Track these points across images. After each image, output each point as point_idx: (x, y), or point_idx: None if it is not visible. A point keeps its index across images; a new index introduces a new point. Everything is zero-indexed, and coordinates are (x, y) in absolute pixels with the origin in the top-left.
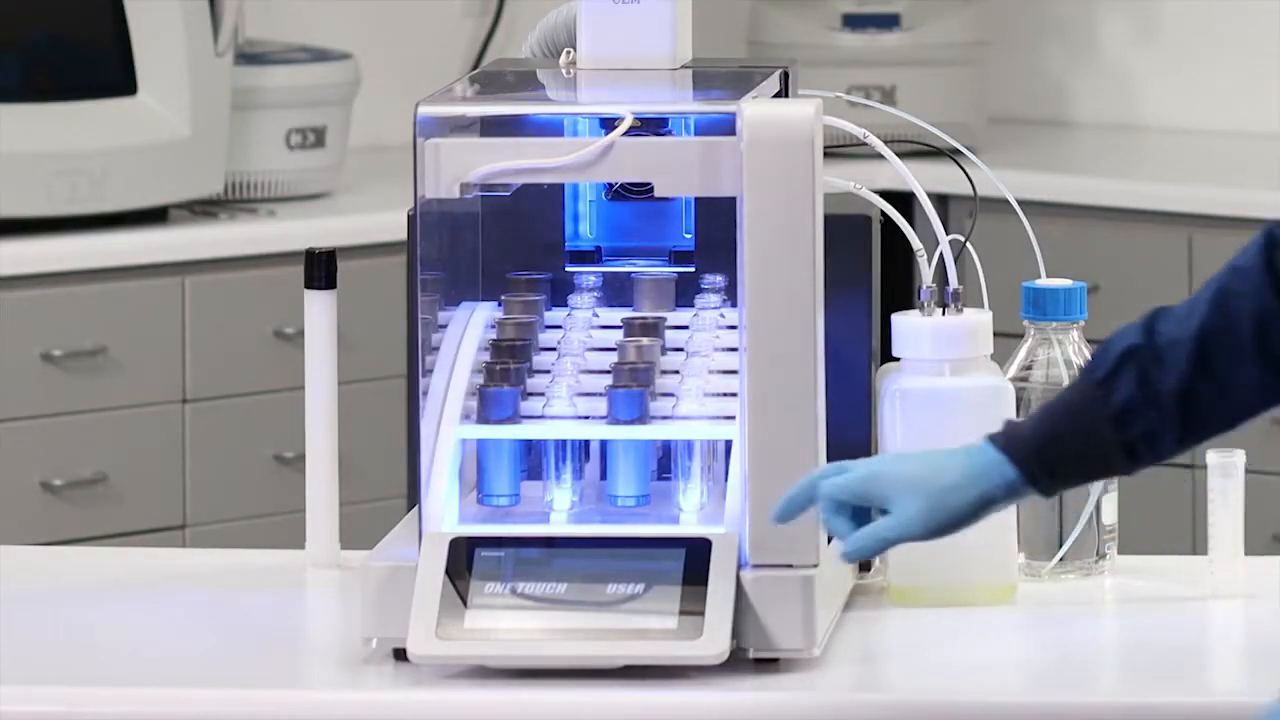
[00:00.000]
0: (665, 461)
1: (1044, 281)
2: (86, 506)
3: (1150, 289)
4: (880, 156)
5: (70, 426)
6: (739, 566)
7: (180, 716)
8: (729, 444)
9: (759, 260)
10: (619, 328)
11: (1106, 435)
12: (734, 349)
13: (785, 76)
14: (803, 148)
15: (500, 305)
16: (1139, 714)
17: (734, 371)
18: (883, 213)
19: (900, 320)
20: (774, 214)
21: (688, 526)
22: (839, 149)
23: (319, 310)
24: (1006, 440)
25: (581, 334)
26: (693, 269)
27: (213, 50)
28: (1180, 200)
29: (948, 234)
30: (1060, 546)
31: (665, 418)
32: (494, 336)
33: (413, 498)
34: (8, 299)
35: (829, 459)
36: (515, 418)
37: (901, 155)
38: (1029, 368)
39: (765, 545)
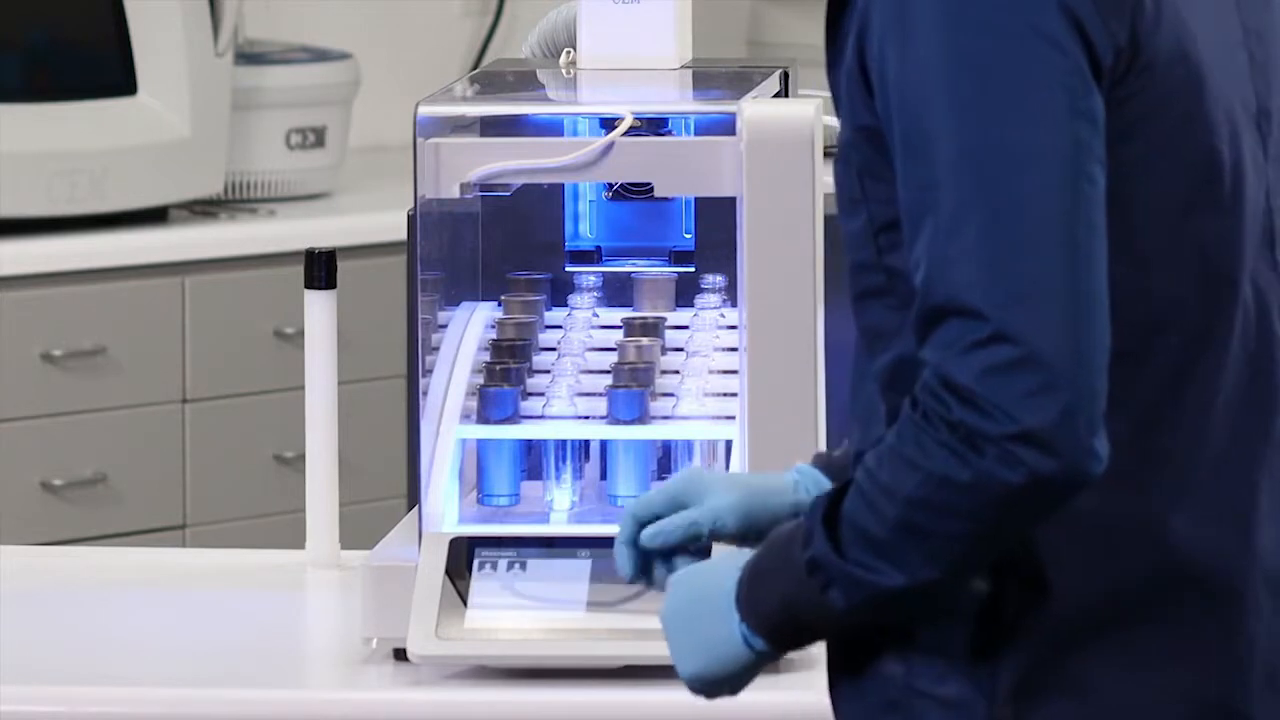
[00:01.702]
0: (665, 461)
1: None
2: (86, 506)
3: None
4: None
5: (70, 426)
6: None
7: (180, 716)
8: (729, 444)
9: (759, 260)
10: (619, 328)
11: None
12: (734, 349)
13: (785, 76)
14: (803, 148)
15: (500, 305)
16: None
17: (734, 371)
18: None
19: None
20: (774, 214)
21: None
22: None
23: (319, 310)
24: (821, 459)
25: (581, 334)
26: (693, 269)
27: (213, 50)
28: None
29: None
30: None
31: (665, 418)
32: (494, 336)
33: (413, 498)
34: (8, 299)
35: None
36: (515, 418)
37: None
38: None
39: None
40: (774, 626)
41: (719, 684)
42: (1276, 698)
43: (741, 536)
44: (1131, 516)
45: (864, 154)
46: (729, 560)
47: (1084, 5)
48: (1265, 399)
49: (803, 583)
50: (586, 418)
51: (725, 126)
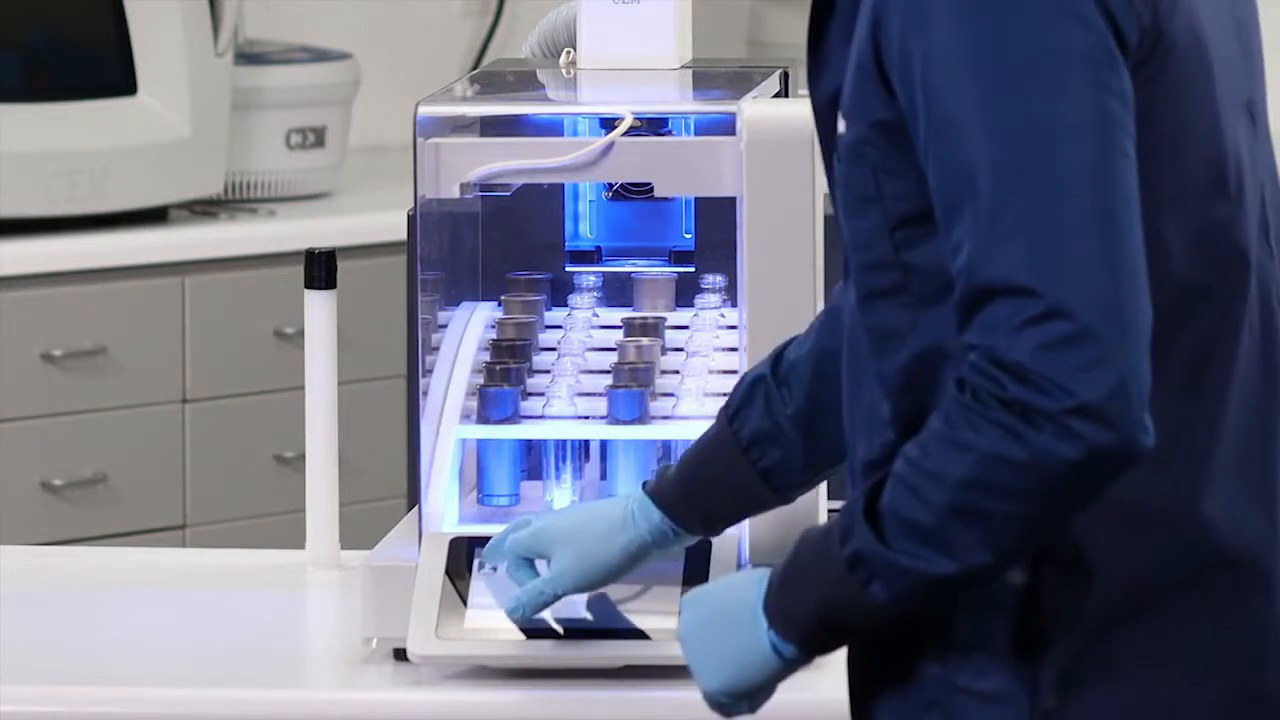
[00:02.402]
0: (665, 461)
1: None
2: (86, 506)
3: None
4: None
5: (70, 426)
6: (739, 566)
7: (180, 716)
8: None
9: (759, 260)
10: (619, 328)
11: (744, 467)
12: (734, 349)
13: (785, 76)
14: (803, 148)
15: (500, 305)
16: None
17: (734, 371)
18: None
19: None
20: (774, 214)
21: None
22: None
23: (319, 310)
24: (654, 485)
25: (581, 334)
26: (693, 269)
27: (213, 50)
28: None
29: None
30: None
31: (665, 418)
32: (494, 336)
33: (413, 498)
34: (8, 299)
35: None
36: (515, 418)
37: None
38: None
39: (765, 545)
40: (807, 630)
41: (743, 696)
42: None
43: (579, 589)
44: (1164, 500)
45: (879, 150)
46: (745, 574)
47: None
48: (1273, 379)
49: (841, 580)
50: (586, 418)
51: (725, 126)
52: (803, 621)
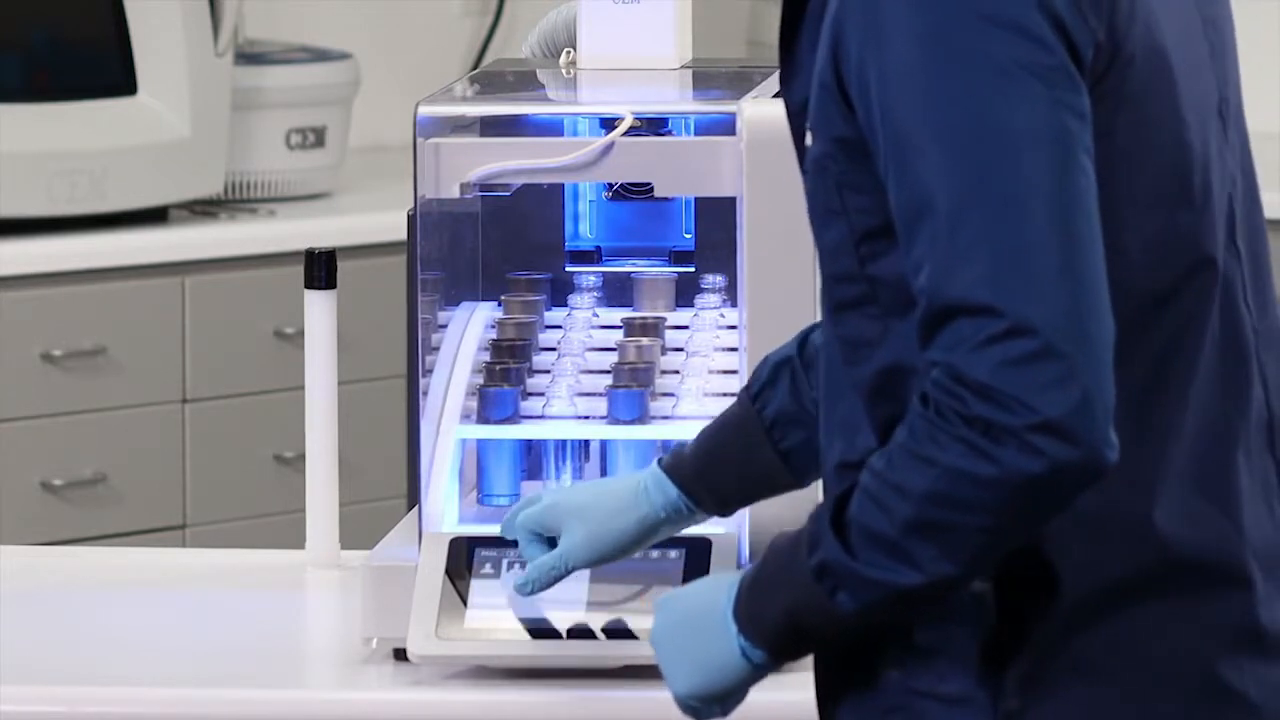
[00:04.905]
0: None
1: None
2: (86, 506)
3: None
4: None
5: (70, 426)
6: (739, 566)
7: (180, 716)
8: None
9: (759, 260)
10: (619, 328)
11: (764, 447)
12: (734, 349)
13: None
14: None
15: (500, 305)
16: None
17: (734, 371)
18: None
19: None
20: (774, 214)
21: None
22: None
23: (319, 310)
24: (670, 461)
25: (581, 334)
26: (693, 269)
27: (213, 50)
28: None
29: None
30: None
31: (665, 418)
32: (494, 336)
33: (413, 498)
34: (8, 299)
35: None
36: (515, 418)
37: None
38: None
39: (765, 545)
40: (776, 636)
41: (713, 701)
42: (1274, 671)
43: (589, 564)
44: (1119, 505)
45: (841, 165)
46: (717, 579)
47: (1062, 1)
48: (1239, 378)
49: (808, 589)
50: (586, 418)
51: (725, 126)
52: (771, 628)
